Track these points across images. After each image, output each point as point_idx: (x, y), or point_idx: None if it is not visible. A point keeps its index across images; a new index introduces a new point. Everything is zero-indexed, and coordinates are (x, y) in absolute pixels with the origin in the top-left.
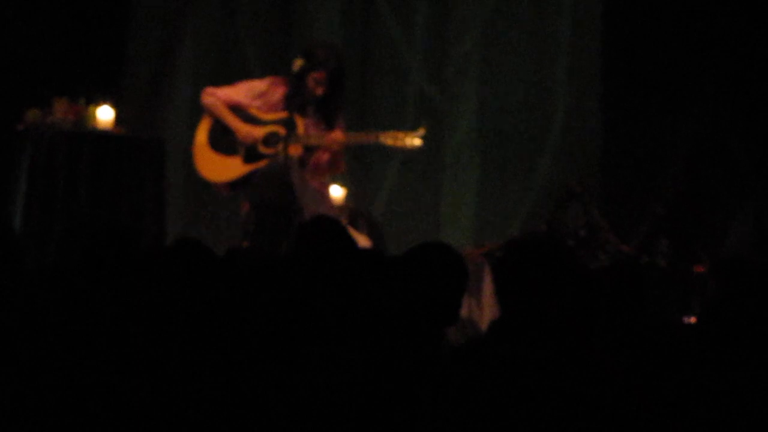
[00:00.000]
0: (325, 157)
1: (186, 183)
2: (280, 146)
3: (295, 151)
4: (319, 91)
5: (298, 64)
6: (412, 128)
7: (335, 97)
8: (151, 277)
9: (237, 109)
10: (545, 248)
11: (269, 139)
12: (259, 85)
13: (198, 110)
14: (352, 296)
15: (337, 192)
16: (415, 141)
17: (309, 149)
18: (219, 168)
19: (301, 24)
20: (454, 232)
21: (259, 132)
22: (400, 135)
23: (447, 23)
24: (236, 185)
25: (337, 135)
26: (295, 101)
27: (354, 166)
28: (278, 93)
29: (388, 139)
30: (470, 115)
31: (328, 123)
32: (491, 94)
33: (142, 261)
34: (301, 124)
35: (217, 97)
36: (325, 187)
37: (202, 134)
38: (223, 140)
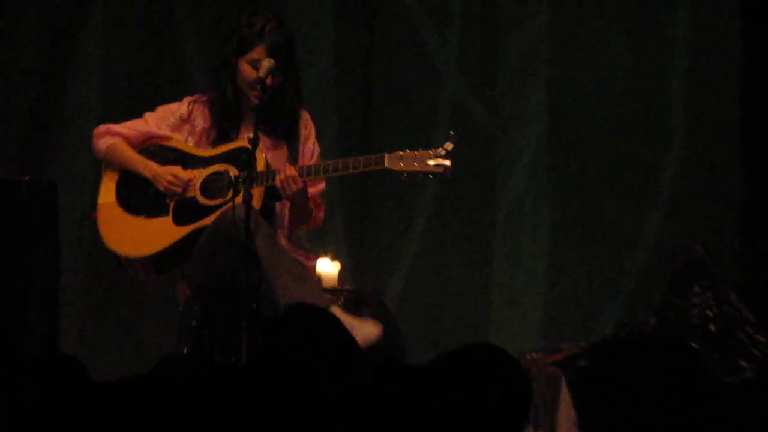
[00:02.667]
0: (301, 203)
1: (87, 262)
2: (231, 192)
3: (256, 196)
4: (263, 76)
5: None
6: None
7: (289, 90)
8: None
9: (163, 151)
10: (654, 354)
11: (211, 184)
12: (176, 108)
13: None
14: (350, 429)
15: (327, 266)
16: (441, 161)
17: (274, 194)
18: (137, 236)
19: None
20: (510, 328)
21: (192, 175)
22: (418, 154)
23: (496, 7)
24: (166, 260)
25: (308, 156)
26: (233, 114)
27: (352, 219)
28: (208, 114)
29: (398, 162)
30: (535, 144)
31: (288, 137)
32: (566, 112)
33: (23, 377)
34: (261, 154)
35: (117, 134)
36: (309, 257)
37: (107, 192)
38: (141, 195)
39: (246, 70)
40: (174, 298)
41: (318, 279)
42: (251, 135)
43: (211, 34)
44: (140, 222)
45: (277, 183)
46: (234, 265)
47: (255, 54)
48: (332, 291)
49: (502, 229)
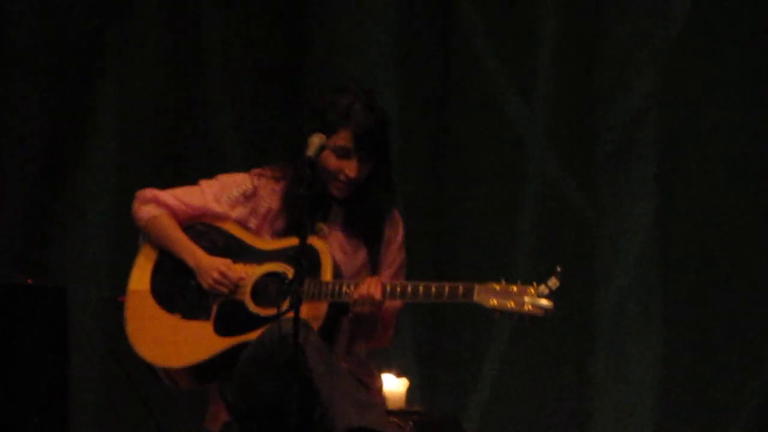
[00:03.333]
0: (369, 316)
1: (103, 366)
2: (286, 302)
3: (314, 313)
4: (350, 170)
5: (314, 143)
6: (532, 272)
7: (377, 184)
8: None
9: (212, 233)
10: None
11: (264, 288)
12: (240, 180)
13: (126, 234)
14: None
15: (392, 383)
16: (542, 302)
17: (341, 309)
18: (170, 341)
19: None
20: None
21: (244, 272)
22: (516, 290)
23: (593, 68)
24: (205, 374)
25: (392, 280)
26: (306, 204)
27: (421, 327)
28: (277, 195)
29: (489, 296)
30: (641, 230)
31: (369, 238)
32: (680, 191)
33: None
34: (327, 258)
35: (164, 204)
36: (373, 375)
37: (140, 276)
38: (180, 288)
39: (327, 158)
40: (204, 419)
41: (383, 400)
42: (329, 232)
43: (246, 97)
44: (175, 322)
45: (355, 297)
46: (281, 388)
47: (339, 140)
48: (399, 413)
49: (605, 332)
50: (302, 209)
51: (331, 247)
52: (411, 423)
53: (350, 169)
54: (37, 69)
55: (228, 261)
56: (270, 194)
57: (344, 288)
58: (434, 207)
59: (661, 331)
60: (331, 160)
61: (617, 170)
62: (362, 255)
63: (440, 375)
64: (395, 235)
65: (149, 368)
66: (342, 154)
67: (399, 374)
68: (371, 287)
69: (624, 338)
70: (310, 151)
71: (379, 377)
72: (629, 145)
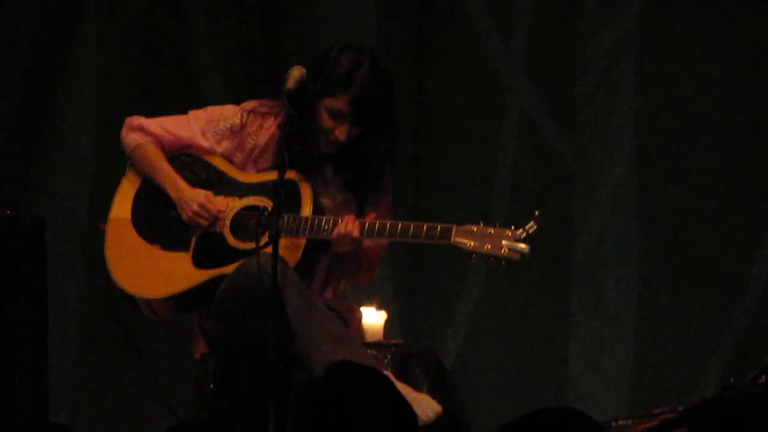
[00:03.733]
0: (349, 254)
1: (85, 295)
2: (264, 236)
3: (292, 248)
4: (341, 133)
5: (294, 76)
6: (512, 214)
7: (372, 146)
8: None
9: (196, 165)
10: (765, 419)
11: (242, 222)
12: (228, 114)
13: (105, 165)
14: None
15: (371, 316)
16: (519, 245)
17: (319, 244)
18: (148, 271)
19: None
20: (593, 391)
21: (224, 205)
22: (493, 232)
23: (572, 5)
24: (184, 305)
25: (372, 219)
26: (295, 152)
27: (401, 261)
28: (265, 132)
29: (467, 238)
30: (619, 169)
31: (358, 194)
32: (658, 129)
33: None
34: (307, 194)
35: (149, 133)
36: (351, 308)
37: (122, 204)
38: (160, 218)
39: (322, 116)
40: (186, 353)
41: (361, 333)
42: (316, 177)
43: (228, 36)
44: (154, 253)
45: (333, 235)
46: (257, 322)
47: (336, 103)
48: (377, 345)
49: (581, 272)
50: (281, 142)
51: (319, 190)
52: (389, 355)
53: (340, 132)
54: (16, 11)
55: (209, 193)
56: (257, 130)
57: (323, 224)
58: (413, 148)
59: (638, 268)
60: (324, 118)
61: (597, 108)
62: (349, 201)
63: (418, 309)
64: (386, 195)
65: (128, 298)
66: (336, 115)
67: (378, 307)
68: (349, 225)
69: (601, 276)
70: (290, 84)
71: (358, 310)
72: (609, 83)
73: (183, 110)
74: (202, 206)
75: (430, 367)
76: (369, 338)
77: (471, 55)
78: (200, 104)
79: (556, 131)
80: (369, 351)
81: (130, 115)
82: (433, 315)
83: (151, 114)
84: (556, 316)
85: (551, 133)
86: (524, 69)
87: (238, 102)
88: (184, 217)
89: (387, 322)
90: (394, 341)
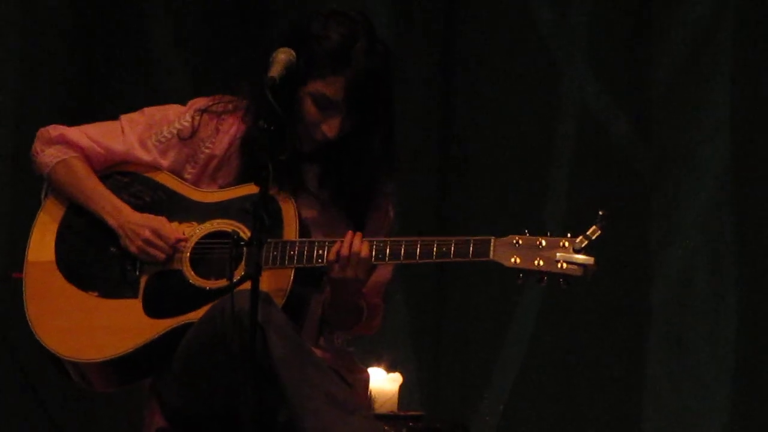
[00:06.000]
0: (351, 292)
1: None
2: (240, 269)
3: (277, 283)
4: (330, 128)
5: (280, 60)
6: (566, 226)
7: (367, 148)
8: None
9: (138, 184)
10: None
11: (207, 253)
12: (174, 116)
13: (26, 193)
14: None
15: (381, 380)
16: (579, 257)
17: (310, 278)
18: (88, 327)
19: None
20: None
21: (181, 233)
22: (545, 243)
23: None
24: (130, 370)
25: (376, 227)
26: (268, 154)
27: (421, 310)
28: (223, 136)
29: (510, 253)
30: (712, 181)
31: (353, 209)
32: (761, 128)
33: None
34: (290, 212)
35: (74, 146)
36: (355, 369)
37: (42, 242)
38: (96, 257)
39: (307, 105)
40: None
41: (370, 402)
42: (298, 189)
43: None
44: (91, 302)
45: (331, 257)
46: (234, 383)
47: (325, 89)
48: (390, 418)
49: (660, 322)
50: (262, 149)
51: (299, 203)
52: (405, 430)
53: (331, 126)
54: None
55: (162, 218)
56: (212, 135)
57: (317, 249)
58: (440, 148)
59: (736, 315)
60: (309, 108)
61: (680, 104)
62: (339, 217)
63: (444, 369)
64: (384, 203)
65: (57, 363)
66: (325, 104)
67: (390, 368)
68: (356, 243)
69: (686, 324)
70: (274, 71)
71: (365, 371)
72: (695, 71)
73: (136, 105)
74: (155, 232)
75: None
76: (379, 408)
77: (515, 28)
78: (154, 100)
79: (625, 131)
80: (380, 424)
81: (50, 121)
82: (464, 377)
83: (80, 119)
84: (628, 377)
85: (619, 134)
86: (585, 48)
87: (196, 94)
88: (132, 249)
89: (403, 386)
90: (411, 413)
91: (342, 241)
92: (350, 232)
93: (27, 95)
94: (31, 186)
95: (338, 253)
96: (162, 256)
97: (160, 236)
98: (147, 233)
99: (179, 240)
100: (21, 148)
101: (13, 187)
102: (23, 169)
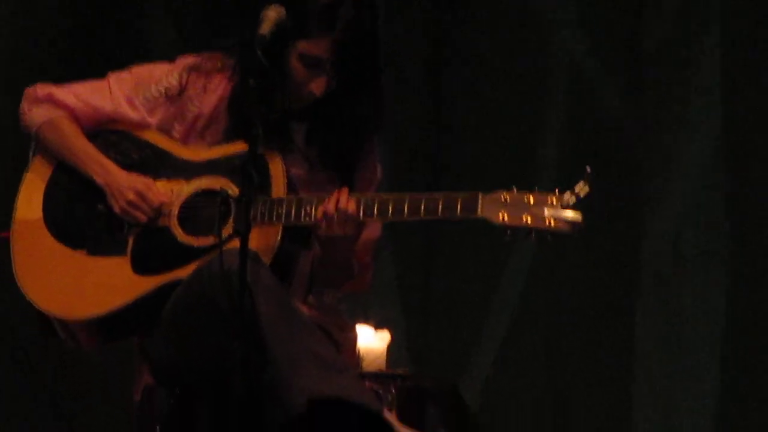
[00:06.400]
0: (339, 249)
1: None
2: (228, 227)
3: (264, 240)
4: (317, 86)
5: (270, 18)
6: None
7: (354, 106)
8: None
9: (125, 142)
10: None
11: (196, 211)
12: (161, 74)
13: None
14: None
15: (369, 338)
16: (567, 213)
17: (298, 235)
18: (73, 284)
19: None
20: None
21: (169, 191)
22: (533, 199)
23: None
24: (117, 324)
25: (365, 194)
26: (258, 112)
27: (410, 266)
28: (211, 94)
29: (499, 209)
30: (704, 152)
31: (340, 168)
32: (755, 97)
33: None
34: (278, 169)
35: (61, 105)
36: (344, 327)
37: (30, 200)
38: (84, 214)
39: (295, 66)
40: (119, 390)
41: (357, 360)
42: (286, 146)
43: None
44: (79, 260)
45: (318, 215)
46: (221, 341)
47: (313, 48)
48: (377, 376)
49: (647, 298)
50: (252, 107)
51: (288, 160)
52: (393, 390)
53: (318, 85)
54: None
55: (148, 179)
56: (200, 93)
57: (305, 206)
58: (431, 104)
59: (726, 289)
60: (296, 66)
61: (672, 68)
62: (327, 176)
63: (432, 327)
64: (369, 157)
65: (44, 320)
66: (312, 63)
67: (378, 325)
68: (342, 199)
69: (676, 297)
70: (264, 28)
71: (353, 329)
72: (688, 34)
73: (115, 66)
74: (139, 194)
75: (447, 406)
76: (367, 366)
77: None
78: (140, 55)
79: (616, 97)
80: (366, 383)
81: (38, 81)
82: (453, 335)
83: (66, 77)
84: (616, 345)
85: (611, 99)
86: (574, 11)
87: (182, 51)
88: (116, 209)
89: (391, 345)
90: (399, 371)
91: (329, 199)
92: (337, 189)
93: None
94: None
95: (325, 211)
96: (144, 218)
97: (144, 199)
98: (131, 195)
99: (163, 203)
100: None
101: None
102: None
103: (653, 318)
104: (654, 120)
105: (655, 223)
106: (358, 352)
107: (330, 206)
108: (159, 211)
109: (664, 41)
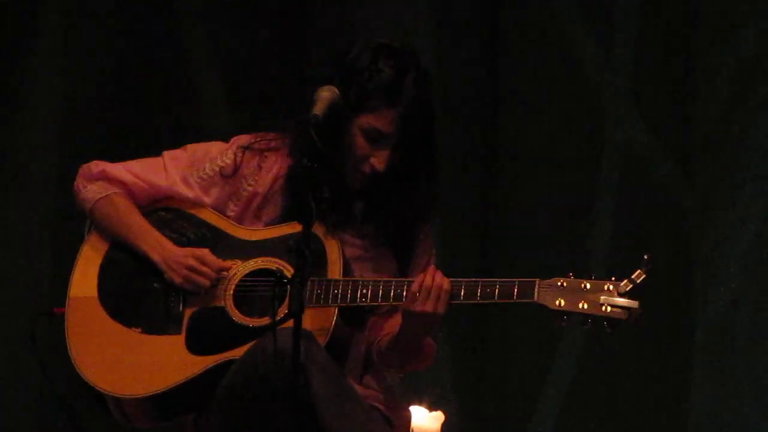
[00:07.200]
0: (420, 330)
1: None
2: (283, 307)
3: (320, 322)
4: (379, 160)
5: (324, 98)
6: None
7: (414, 185)
8: None
9: (180, 220)
10: None
11: (251, 291)
12: (216, 153)
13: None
14: None
15: (425, 419)
16: (624, 301)
17: (354, 317)
18: (131, 363)
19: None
20: None
21: (224, 268)
22: (589, 286)
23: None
24: (172, 406)
25: (430, 278)
26: (312, 192)
27: (462, 347)
28: (266, 174)
29: (555, 295)
30: (762, 223)
31: (397, 246)
32: None
33: None
34: (334, 251)
35: (116, 182)
36: (398, 406)
37: (84, 277)
38: (139, 293)
39: (356, 139)
40: None
41: None
42: (343, 225)
43: (233, 40)
44: (133, 338)
45: (415, 288)
46: (276, 421)
47: (376, 122)
48: None
49: (705, 361)
50: (306, 186)
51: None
52: None
53: (380, 159)
54: None
55: (205, 249)
56: (255, 172)
57: (360, 288)
58: (482, 187)
59: None
60: (358, 141)
61: (725, 144)
62: (384, 254)
63: (486, 407)
64: (426, 242)
65: (97, 398)
66: (374, 137)
67: (432, 406)
68: (438, 276)
69: (731, 365)
70: (318, 109)
71: (406, 409)
72: (741, 110)
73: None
74: (198, 258)
75: None
76: None
77: (559, 66)
78: (198, 135)
79: (671, 172)
80: None
81: (92, 158)
82: (508, 416)
83: (120, 156)
84: (672, 419)
85: (664, 175)
86: (629, 86)
87: (238, 131)
88: (177, 280)
89: (445, 425)
90: None
91: (426, 272)
92: (432, 266)
93: (70, 134)
94: (74, 219)
95: (422, 283)
96: (207, 283)
97: (204, 262)
98: (191, 261)
99: (223, 269)
100: (64, 183)
101: (56, 222)
102: (67, 202)
103: (709, 391)
104: (704, 198)
105: (708, 310)
106: (412, 431)
107: (427, 279)
108: (218, 283)
109: (719, 118)
